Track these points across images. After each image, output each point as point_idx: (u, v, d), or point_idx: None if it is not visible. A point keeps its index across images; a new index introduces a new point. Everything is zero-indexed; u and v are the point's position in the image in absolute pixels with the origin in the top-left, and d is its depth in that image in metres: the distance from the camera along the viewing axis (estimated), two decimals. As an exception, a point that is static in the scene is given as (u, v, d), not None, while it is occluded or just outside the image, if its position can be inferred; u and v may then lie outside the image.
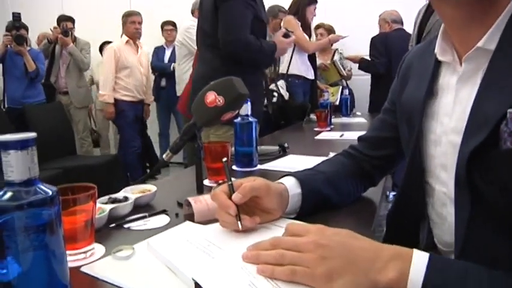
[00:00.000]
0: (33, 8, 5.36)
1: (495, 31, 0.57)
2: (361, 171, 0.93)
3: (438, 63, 0.71)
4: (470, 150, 0.56)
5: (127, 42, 3.90)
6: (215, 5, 1.80)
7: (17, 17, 3.89)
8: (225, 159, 0.76)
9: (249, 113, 1.30)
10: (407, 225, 0.81)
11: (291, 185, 0.81)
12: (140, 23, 3.94)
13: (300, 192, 0.81)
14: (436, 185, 0.71)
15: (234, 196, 0.69)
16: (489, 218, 0.58)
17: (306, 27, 3.36)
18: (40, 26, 4.76)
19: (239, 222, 0.68)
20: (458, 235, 0.63)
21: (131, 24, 3.89)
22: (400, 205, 0.81)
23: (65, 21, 4.34)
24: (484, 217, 0.58)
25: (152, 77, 4.41)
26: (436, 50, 0.69)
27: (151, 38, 4.55)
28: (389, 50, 3.41)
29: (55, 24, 4.38)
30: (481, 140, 0.55)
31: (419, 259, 0.50)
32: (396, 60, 3.14)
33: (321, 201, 0.85)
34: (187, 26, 3.53)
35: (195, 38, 2.17)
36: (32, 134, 0.48)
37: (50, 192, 0.50)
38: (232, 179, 0.74)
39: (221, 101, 0.90)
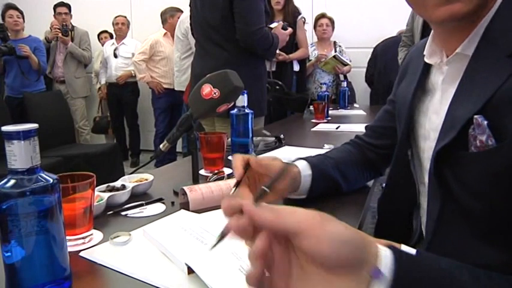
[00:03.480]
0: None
1: (474, 37, 0.59)
2: (366, 160, 0.96)
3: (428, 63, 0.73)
4: (437, 150, 0.60)
5: (165, 34, 4.14)
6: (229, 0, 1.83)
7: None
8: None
9: (246, 104, 1.32)
10: (399, 213, 0.83)
11: (303, 166, 0.86)
12: None
13: (310, 173, 0.86)
14: (425, 176, 0.74)
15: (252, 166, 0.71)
16: (458, 217, 0.60)
17: (272, 14, 3.31)
18: (37, 14, 4.74)
19: (233, 189, 0.68)
20: (428, 227, 0.66)
21: (178, 19, 4.04)
22: (389, 193, 0.83)
23: (61, 7, 4.35)
24: (454, 215, 0.61)
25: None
26: (425, 52, 0.71)
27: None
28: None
29: (52, 12, 4.38)
30: (447, 142, 0.59)
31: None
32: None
33: (329, 184, 0.89)
34: (185, 18, 3.48)
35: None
36: (34, 125, 0.51)
37: (51, 180, 0.52)
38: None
39: (217, 94, 0.93)
